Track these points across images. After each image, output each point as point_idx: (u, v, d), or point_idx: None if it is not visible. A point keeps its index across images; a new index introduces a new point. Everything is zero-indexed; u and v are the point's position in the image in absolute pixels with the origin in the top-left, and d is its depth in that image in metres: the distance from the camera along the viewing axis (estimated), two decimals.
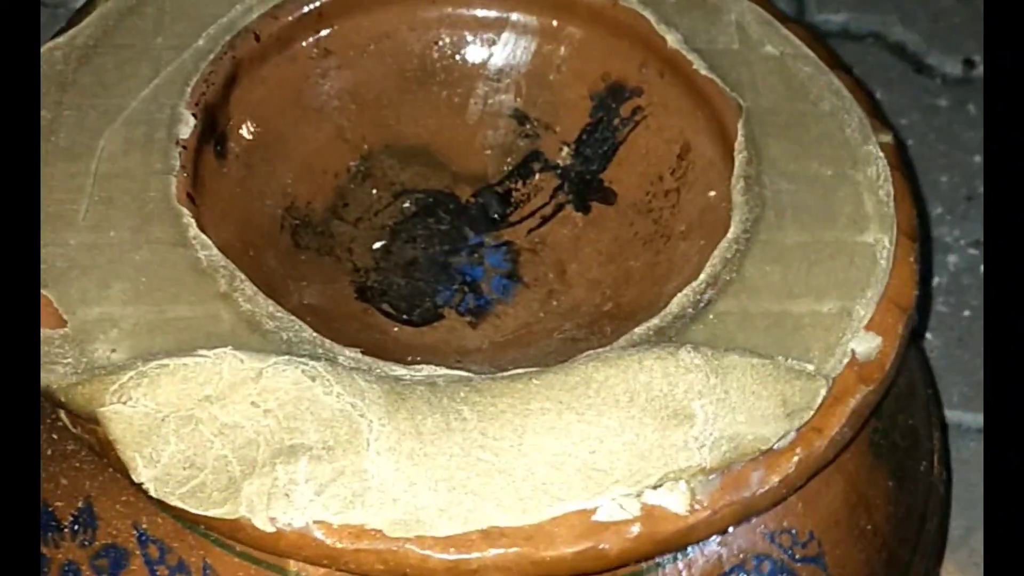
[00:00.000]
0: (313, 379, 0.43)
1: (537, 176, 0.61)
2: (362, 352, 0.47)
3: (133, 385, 0.43)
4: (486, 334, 0.57)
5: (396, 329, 0.56)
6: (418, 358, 0.53)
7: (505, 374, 0.45)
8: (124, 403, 0.43)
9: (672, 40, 0.58)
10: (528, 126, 0.62)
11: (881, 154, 0.55)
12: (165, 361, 0.43)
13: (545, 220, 0.61)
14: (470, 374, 0.45)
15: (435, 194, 0.61)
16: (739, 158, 0.54)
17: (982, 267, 0.82)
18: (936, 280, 0.84)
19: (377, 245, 0.59)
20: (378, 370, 0.46)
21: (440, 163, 0.61)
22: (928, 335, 0.81)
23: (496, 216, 0.61)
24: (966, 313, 0.82)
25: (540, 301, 0.58)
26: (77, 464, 0.49)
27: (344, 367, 0.45)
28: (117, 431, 0.43)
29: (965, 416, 0.77)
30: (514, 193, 0.61)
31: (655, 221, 0.58)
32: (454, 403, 0.44)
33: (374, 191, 0.60)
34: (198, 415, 0.43)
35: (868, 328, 0.49)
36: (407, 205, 0.61)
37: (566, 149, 0.61)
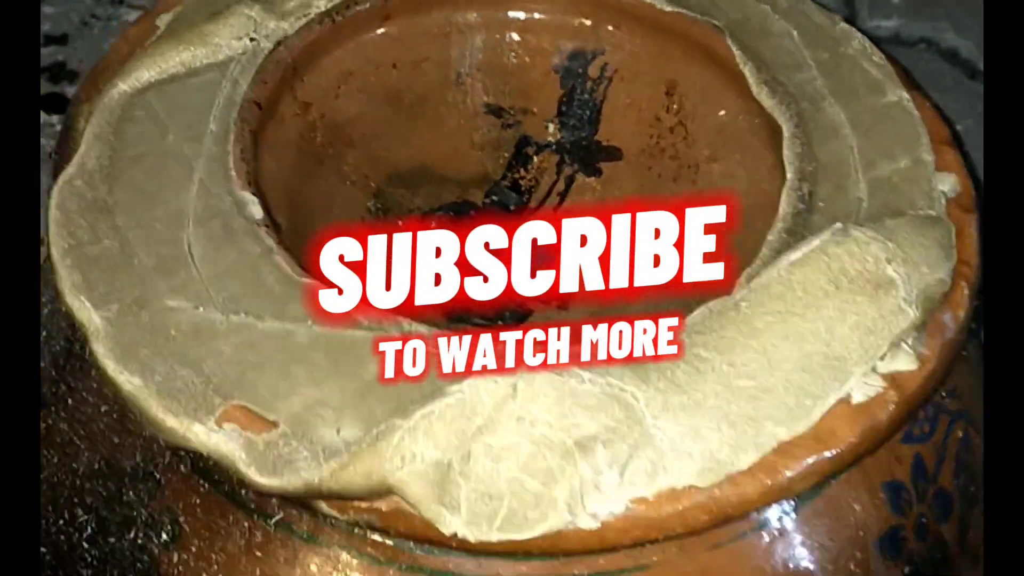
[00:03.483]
0: (561, 374, 0.44)
1: (536, 159, 0.63)
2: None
3: (411, 442, 0.42)
4: (575, 312, 0.58)
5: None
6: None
7: (702, 311, 0.47)
8: (410, 462, 0.41)
9: None
10: (507, 116, 0.63)
11: (853, 28, 0.59)
12: (429, 408, 0.42)
13: (563, 195, 0.62)
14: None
15: (452, 207, 0.61)
16: (747, 69, 0.57)
17: None
18: None
19: None
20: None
21: (443, 177, 0.62)
22: None
23: (516, 208, 0.61)
24: None
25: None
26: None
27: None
28: (416, 491, 0.41)
29: None
30: (522, 181, 0.62)
31: (673, 157, 0.61)
32: (688, 350, 0.45)
33: (399, 224, 0.60)
34: (474, 449, 0.42)
35: (939, 169, 0.54)
36: (433, 227, 0.60)
37: (551, 125, 0.63)
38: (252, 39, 0.57)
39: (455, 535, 0.42)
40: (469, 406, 0.43)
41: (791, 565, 0.47)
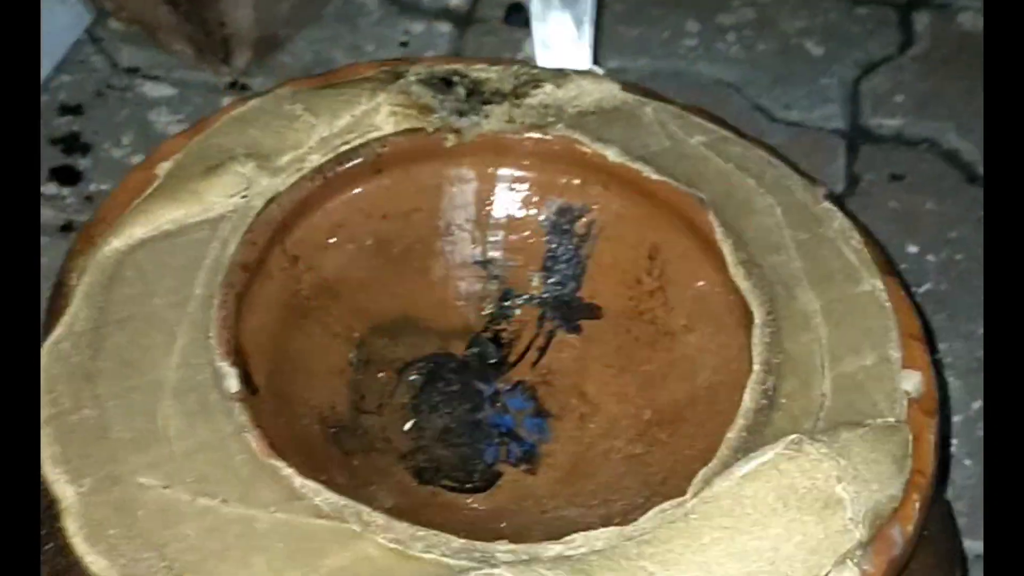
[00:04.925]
0: None
1: (518, 311, 0.64)
2: (509, 538, 0.48)
3: None
4: (548, 476, 0.59)
5: (469, 500, 0.58)
6: (502, 524, 0.55)
7: (654, 517, 0.48)
8: None
9: (612, 154, 0.62)
10: (492, 268, 0.64)
11: (835, 207, 0.60)
12: None
13: (542, 351, 0.63)
14: (623, 529, 0.48)
15: (433, 358, 0.63)
16: (726, 246, 0.58)
17: None
18: (977, 403, 0.82)
19: (408, 426, 0.60)
20: (543, 555, 0.47)
21: (425, 328, 0.63)
22: (966, 461, 0.79)
23: (496, 361, 0.63)
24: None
25: (578, 428, 0.61)
26: None
27: (517, 563, 0.46)
28: None
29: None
30: (503, 335, 0.64)
31: (650, 322, 0.62)
32: (633, 563, 0.46)
33: (380, 375, 0.62)
34: None
35: (905, 366, 0.55)
36: (413, 378, 0.62)
37: (536, 278, 0.64)
38: (244, 197, 0.58)
39: None
40: None
41: None
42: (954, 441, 0.81)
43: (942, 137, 1.00)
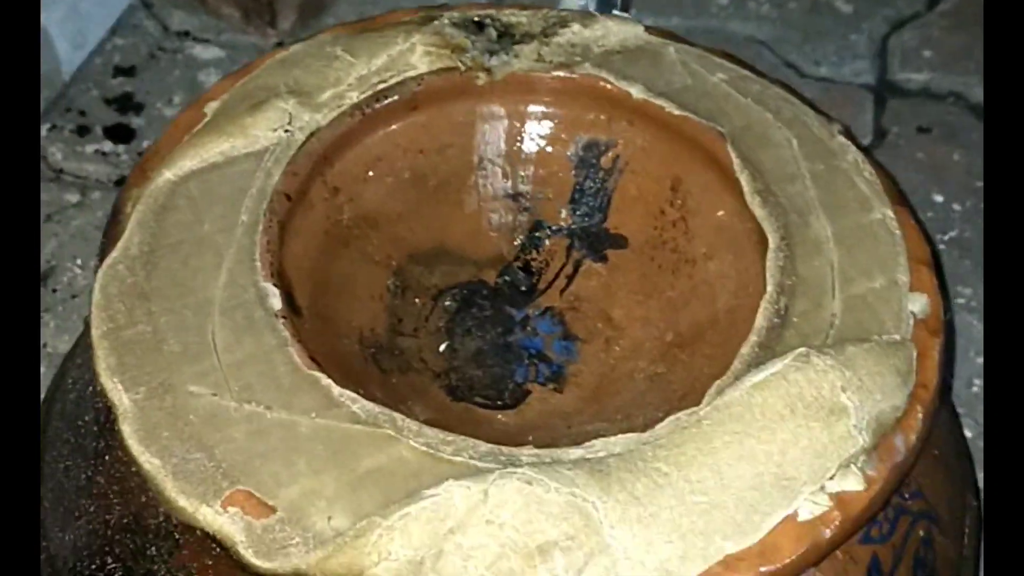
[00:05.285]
0: (530, 483, 0.48)
1: (547, 242, 0.67)
2: (533, 445, 0.52)
3: (387, 541, 0.47)
4: (574, 395, 0.62)
5: (500, 416, 0.61)
6: (530, 437, 0.59)
7: (669, 424, 0.51)
8: (386, 559, 0.46)
9: (636, 91, 0.65)
10: (523, 201, 0.67)
11: (849, 142, 0.63)
12: (407, 509, 0.47)
13: (571, 278, 0.67)
14: (640, 435, 0.51)
15: (467, 286, 0.66)
16: (743, 177, 0.61)
17: None
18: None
19: (442, 347, 0.64)
20: (564, 458, 0.51)
21: (460, 257, 0.66)
22: None
23: (526, 288, 0.66)
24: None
25: (603, 351, 0.64)
26: None
27: (539, 464, 0.50)
28: None
29: None
30: (533, 264, 0.67)
31: (673, 251, 0.65)
32: (649, 464, 0.50)
33: (416, 300, 0.65)
34: (446, 548, 0.47)
35: (913, 289, 0.57)
36: (448, 303, 0.65)
37: (564, 211, 0.67)
38: (287, 131, 0.62)
39: None
40: (443, 508, 0.48)
41: None
42: (976, 381, 0.85)
43: (968, 91, 1.02)
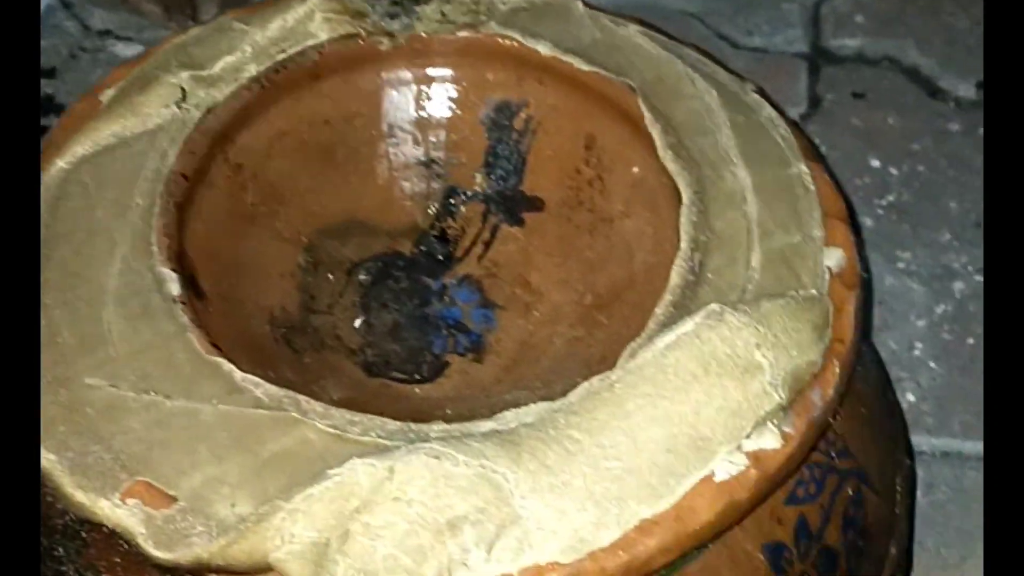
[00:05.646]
0: (438, 457, 0.47)
1: (462, 208, 0.66)
2: (445, 422, 0.50)
3: (290, 523, 0.45)
4: (494, 364, 0.61)
5: (418, 391, 0.60)
6: (447, 410, 0.57)
7: (582, 390, 0.50)
8: (289, 542, 0.45)
9: (544, 49, 0.63)
10: (435, 167, 0.66)
11: (762, 98, 0.62)
12: (309, 491, 0.46)
13: (488, 244, 0.65)
14: (553, 403, 0.50)
15: (381, 258, 0.64)
16: (655, 131, 0.60)
17: None
18: (941, 307, 0.85)
19: (358, 323, 0.62)
20: (475, 431, 0.49)
21: (373, 229, 0.65)
22: (931, 363, 0.83)
23: (443, 257, 0.65)
24: (970, 341, 0.84)
25: (523, 317, 0.62)
26: None
27: (450, 439, 0.48)
28: (294, 569, 0.45)
29: (965, 444, 0.79)
30: (449, 231, 0.65)
31: (590, 210, 0.63)
32: (561, 432, 0.48)
33: (329, 276, 0.63)
34: (353, 528, 0.45)
35: (828, 244, 0.56)
36: (363, 277, 0.64)
37: (479, 175, 0.66)
38: (182, 107, 0.60)
39: None
40: (348, 487, 0.46)
41: None
42: (918, 344, 0.85)
43: (902, 54, 1.02)
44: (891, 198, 0.92)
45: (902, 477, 0.61)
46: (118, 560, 0.52)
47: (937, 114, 0.97)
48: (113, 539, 0.51)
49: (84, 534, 0.53)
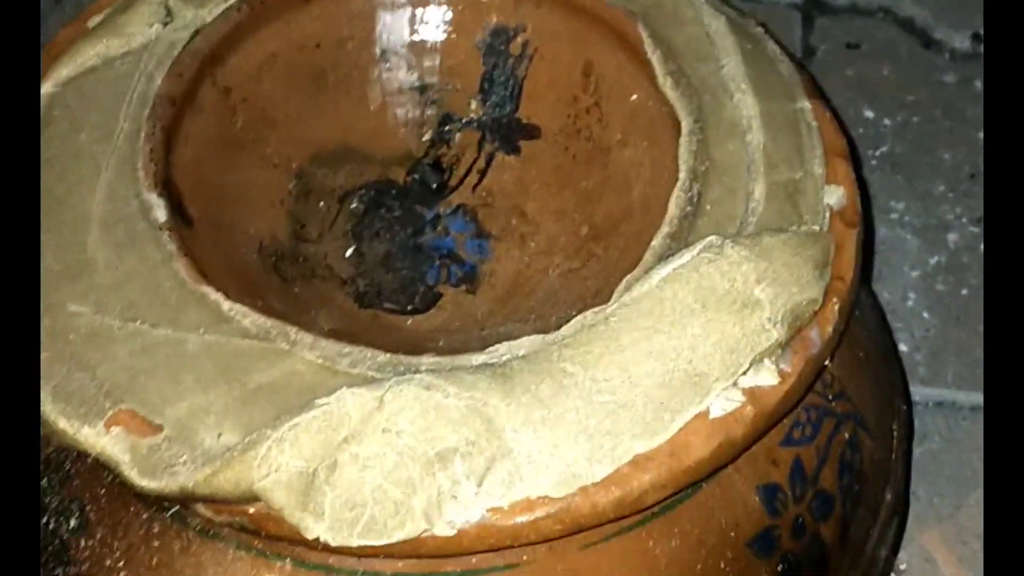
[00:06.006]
0: (428, 388, 0.46)
1: (457, 136, 0.64)
2: (437, 354, 0.49)
3: (276, 452, 0.44)
4: (487, 295, 0.60)
5: (409, 322, 0.59)
6: (440, 342, 0.56)
7: (576, 323, 0.49)
8: (275, 471, 0.44)
9: None
10: (430, 93, 0.64)
11: (764, 33, 0.60)
12: (296, 420, 0.45)
13: (483, 173, 0.64)
14: (546, 336, 0.49)
15: (374, 186, 0.63)
16: (654, 57, 0.58)
17: (982, 245, 0.83)
18: (935, 258, 0.85)
19: (349, 252, 0.61)
20: (466, 364, 0.48)
21: (366, 156, 0.63)
22: (925, 313, 0.82)
23: (436, 186, 0.63)
24: (964, 292, 0.84)
25: (518, 247, 0.61)
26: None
27: (440, 371, 0.47)
28: (279, 498, 0.44)
29: (959, 395, 0.79)
30: (443, 159, 0.64)
31: (587, 139, 0.62)
32: (554, 365, 0.47)
33: (320, 203, 0.62)
34: (341, 458, 0.45)
35: (829, 182, 0.55)
36: (355, 205, 0.62)
37: (474, 102, 0.64)
38: (167, 25, 0.58)
39: (317, 540, 0.44)
40: (336, 417, 0.45)
41: (663, 564, 0.50)
42: (912, 295, 0.84)
43: (896, 5, 1.00)
44: (884, 149, 0.91)
45: (899, 423, 0.61)
46: (102, 491, 0.51)
47: (932, 66, 0.96)
48: (96, 471, 0.50)
49: (68, 465, 0.52)
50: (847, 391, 0.57)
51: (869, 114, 0.94)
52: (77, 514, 0.52)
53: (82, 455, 0.50)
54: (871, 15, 1.00)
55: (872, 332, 0.62)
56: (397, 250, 0.61)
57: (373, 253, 0.61)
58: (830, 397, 0.56)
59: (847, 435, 0.56)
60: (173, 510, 0.49)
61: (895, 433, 0.61)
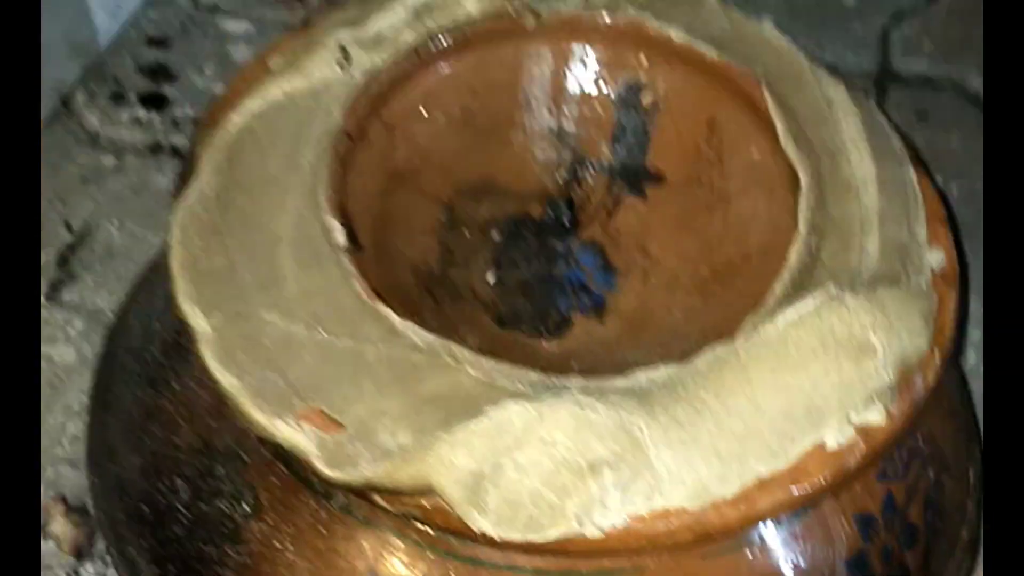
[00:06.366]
0: (581, 406, 0.52)
1: (589, 178, 0.71)
2: (580, 375, 0.56)
3: (451, 453, 0.51)
4: (614, 324, 0.66)
5: (545, 344, 0.65)
6: (573, 364, 0.63)
7: (708, 356, 0.55)
8: (450, 469, 0.51)
9: (676, 35, 0.68)
10: (566, 138, 0.71)
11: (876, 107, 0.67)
12: (468, 425, 0.51)
13: (611, 213, 0.70)
14: (681, 366, 0.55)
15: (514, 219, 0.70)
16: (777, 119, 0.64)
17: None
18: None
19: (491, 278, 0.68)
20: (611, 386, 0.55)
21: (506, 191, 0.70)
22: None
23: (569, 222, 0.70)
24: None
25: (641, 282, 0.68)
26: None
27: (589, 390, 0.54)
28: (452, 494, 0.51)
29: None
30: (575, 198, 0.71)
31: (709, 188, 0.68)
32: (690, 392, 0.54)
33: (466, 233, 0.69)
34: (504, 462, 0.51)
35: (931, 244, 0.61)
36: (496, 236, 0.69)
37: (606, 148, 0.71)
38: (341, 66, 0.65)
39: (483, 533, 0.51)
40: (503, 426, 0.52)
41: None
42: (972, 355, 0.89)
43: (965, 80, 1.06)
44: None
45: (975, 468, 0.67)
46: (275, 481, 0.58)
47: None
48: (270, 462, 0.57)
49: (244, 455, 0.59)
50: (934, 435, 0.63)
51: (938, 179, 0.99)
52: (251, 500, 0.59)
53: (259, 448, 0.57)
54: (941, 88, 1.06)
55: (954, 386, 0.68)
56: (533, 278, 0.68)
57: (512, 280, 0.68)
58: (919, 439, 0.62)
59: (932, 475, 0.62)
60: (340, 501, 0.56)
61: (971, 477, 0.67)
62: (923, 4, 1.12)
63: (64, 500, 0.79)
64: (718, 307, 0.64)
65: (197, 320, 0.57)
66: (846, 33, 1.10)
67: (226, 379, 0.55)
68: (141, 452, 0.63)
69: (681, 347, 0.62)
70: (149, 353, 0.65)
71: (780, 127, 0.64)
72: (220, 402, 0.56)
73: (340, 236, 0.60)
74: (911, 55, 1.08)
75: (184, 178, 0.62)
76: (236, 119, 0.63)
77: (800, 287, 0.59)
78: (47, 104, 1.00)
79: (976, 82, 1.05)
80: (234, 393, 0.55)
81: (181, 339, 0.62)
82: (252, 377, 0.55)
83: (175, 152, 0.99)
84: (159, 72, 1.05)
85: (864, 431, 0.54)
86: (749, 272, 0.64)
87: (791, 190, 0.63)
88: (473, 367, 0.55)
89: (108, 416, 0.67)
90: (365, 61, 0.66)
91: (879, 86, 1.06)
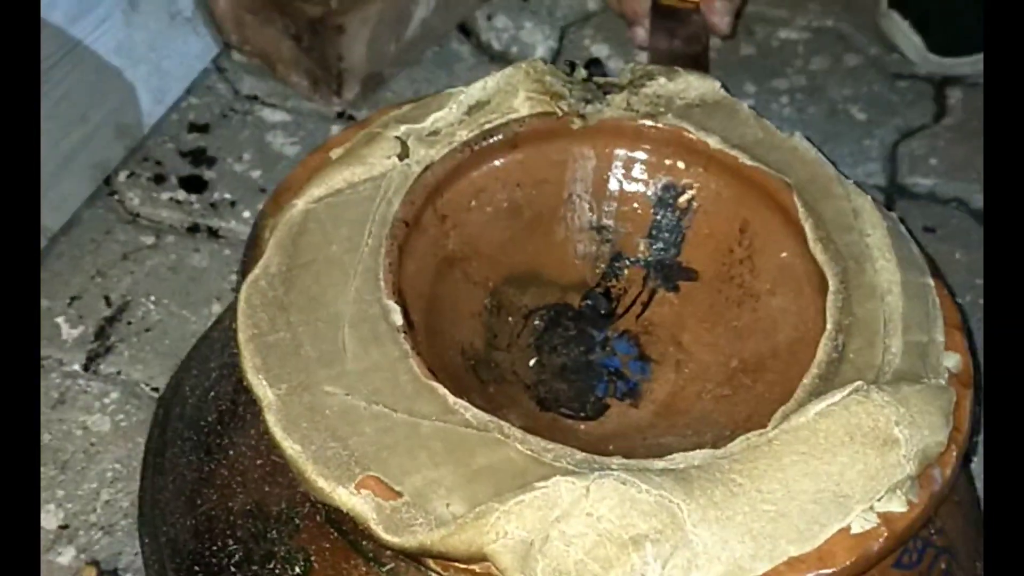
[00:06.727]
0: (624, 483, 0.56)
1: (626, 272, 0.75)
2: (623, 456, 0.60)
3: (503, 522, 0.54)
4: (648, 410, 0.70)
5: (582, 427, 0.69)
6: (610, 447, 0.67)
7: (741, 442, 0.59)
8: (502, 537, 0.54)
9: (713, 142, 0.72)
10: (606, 233, 0.75)
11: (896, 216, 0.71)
12: (521, 497, 0.55)
13: (645, 305, 0.74)
14: (715, 451, 0.59)
15: (554, 308, 0.74)
16: (807, 224, 0.69)
17: None
18: None
19: (532, 362, 0.72)
20: (651, 466, 0.58)
21: (548, 281, 0.74)
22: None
23: (606, 312, 0.74)
24: None
25: (674, 371, 0.72)
26: None
27: (630, 470, 0.58)
28: (504, 560, 0.54)
29: None
30: (612, 290, 0.75)
31: (739, 286, 0.73)
32: (726, 475, 0.57)
33: (509, 319, 0.73)
34: (552, 533, 0.55)
35: (948, 348, 0.65)
36: (537, 323, 0.73)
37: (642, 244, 0.75)
38: (401, 158, 0.69)
39: None
40: (551, 499, 0.55)
41: None
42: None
43: (970, 197, 1.11)
44: None
45: (982, 562, 0.70)
46: (327, 546, 0.61)
47: None
48: (325, 528, 0.61)
49: (298, 520, 0.62)
50: (946, 528, 0.66)
51: None
52: (302, 563, 0.62)
53: (311, 513, 0.60)
54: (946, 203, 1.10)
55: (964, 483, 0.72)
56: (572, 364, 0.72)
57: (552, 364, 0.72)
58: (932, 532, 0.65)
59: (943, 566, 0.65)
60: (389, 566, 0.59)
61: (978, 570, 0.71)
62: (930, 122, 1.18)
63: (97, 565, 0.82)
64: (747, 398, 0.68)
65: (263, 390, 0.60)
66: (857, 147, 1.15)
67: (290, 445, 0.58)
68: (194, 515, 0.67)
69: (712, 434, 0.66)
70: (205, 422, 0.69)
71: (809, 232, 0.69)
72: (279, 468, 0.60)
73: (397, 316, 0.64)
74: (918, 171, 1.13)
75: (249, 257, 0.66)
76: (300, 203, 0.68)
77: (828, 381, 0.62)
78: (91, 183, 1.05)
79: (979, 199, 1.09)
80: (297, 459, 0.58)
81: (238, 408, 0.65)
82: (314, 445, 0.58)
83: (212, 233, 1.04)
84: (199, 156, 1.10)
85: (887, 519, 0.57)
86: (777, 366, 0.68)
87: (819, 291, 0.67)
88: (522, 444, 0.59)
89: (161, 480, 0.71)
90: (422, 154, 0.70)
91: (888, 199, 1.11)
